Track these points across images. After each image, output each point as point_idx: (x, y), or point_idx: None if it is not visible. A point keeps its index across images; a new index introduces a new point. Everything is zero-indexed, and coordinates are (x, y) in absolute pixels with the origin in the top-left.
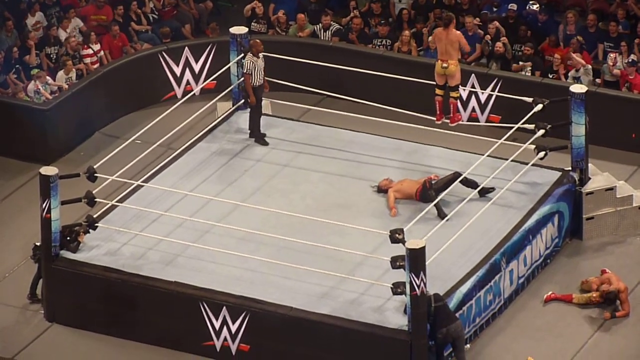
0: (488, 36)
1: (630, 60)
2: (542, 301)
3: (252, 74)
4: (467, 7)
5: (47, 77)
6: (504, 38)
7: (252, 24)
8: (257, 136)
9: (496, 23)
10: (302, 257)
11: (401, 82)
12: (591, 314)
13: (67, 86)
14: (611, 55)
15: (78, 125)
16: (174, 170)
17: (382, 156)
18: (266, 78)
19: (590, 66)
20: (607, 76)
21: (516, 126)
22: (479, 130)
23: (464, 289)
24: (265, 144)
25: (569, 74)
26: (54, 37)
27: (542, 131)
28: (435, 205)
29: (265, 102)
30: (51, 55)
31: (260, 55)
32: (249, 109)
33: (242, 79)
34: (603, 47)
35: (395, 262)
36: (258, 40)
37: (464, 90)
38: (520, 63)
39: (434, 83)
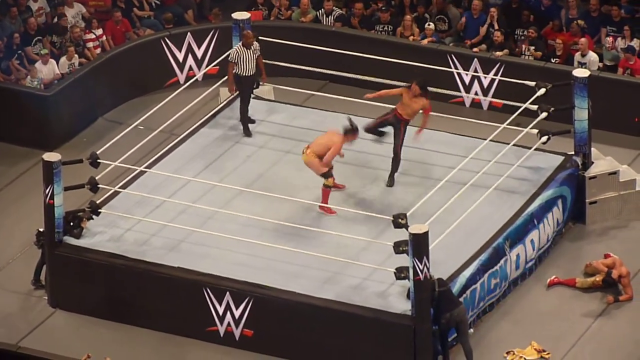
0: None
1: (627, 46)
2: (546, 285)
3: (237, 63)
4: None
5: (43, 67)
6: (497, 31)
7: (252, 10)
8: (243, 126)
9: (494, 10)
10: (305, 243)
11: (403, 67)
12: (595, 298)
13: (59, 75)
14: (609, 38)
15: (81, 111)
16: (176, 156)
17: (385, 141)
18: (269, 62)
19: (597, 56)
20: (607, 61)
21: (520, 109)
22: (482, 115)
23: (467, 273)
24: (249, 135)
25: (575, 58)
26: (62, 26)
27: (545, 113)
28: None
29: (268, 88)
30: (56, 44)
31: (253, 47)
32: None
33: None
34: (606, 32)
35: (399, 247)
36: (250, 32)
37: (467, 74)
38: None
39: (437, 68)
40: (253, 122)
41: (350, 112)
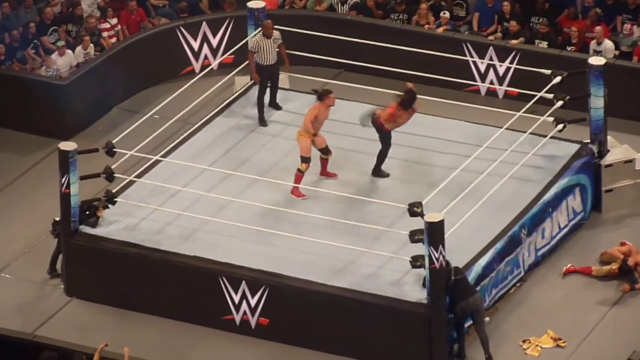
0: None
1: None
2: (561, 274)
3: (256, 52)
4: None
5: (59, 58)
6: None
7: None
8: (259, 114)
9: (506, 4)
10: (320, 231)
11: (419, 56)
12: (610, 286)
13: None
14: (627, 25)
15: (96, 100)
16: (192, 145)
17: (400, 130)
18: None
19: (612, 44)
20: (624, 47)
21: (535, 97)
22: (497, 103)
23: (482, 261)
24: (264, 123)
25: (590, 46)
26: (78, 15)
27: (560, 102)
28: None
29: (283, 77)
30: (71, 33)
31: (273, 36)
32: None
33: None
34: (622, 19)
35: (414, 236)
36: (269, 22)
37: (483, 62)
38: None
39: (452, 56)
40: (280, 108)
41: (365, 100)
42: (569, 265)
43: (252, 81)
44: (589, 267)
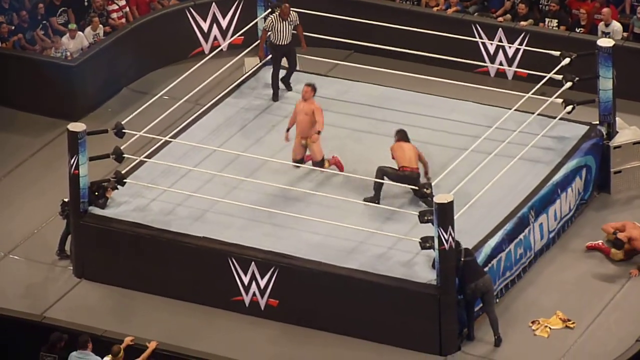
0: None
1: None
2: (577, 251)
3: (271, 32)
4: None
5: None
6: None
7: None
8: (273, 91)
9: None
10: (330, 212)
11: (428, 37)
12: (619, 267)
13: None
14: None
15: (106, 81)
16: (201, 126)
17: (410, 111)
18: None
19: (620, 26)
20: (638, 29)
21: (544, 79)
22: (507, 85)
23: (492, 242)
24: (276, 99)
25: (599, 28)
26: None
27: (569, 83)
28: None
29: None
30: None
31: (289, 18)
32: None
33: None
34: (630, 1)
35: (424, 217)
36: (287, 6)
37: (492, 44)
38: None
39: (461, 37)
40: (291, 89)
41: (375, 81)
42: (593, 242)
43: (259, 58)
44: (608, 248)
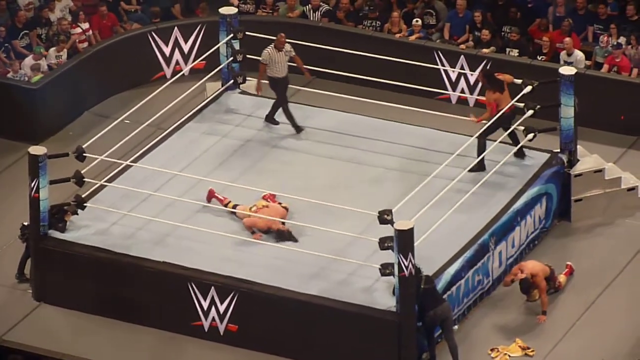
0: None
1: (615, 43)
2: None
3: (269, 65)
4: None
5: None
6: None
7: (240, 4)
8: (293, 126)
9: (477, 14)
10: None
11: (391, 64)
12: (579, 294)
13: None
14: (603, 37)
15: (67, 104)
16: (163, 150)
17: (372, 137)
18: (255, 57)
19: (583, 55)
20: (600, 58)
21: (506, 107)
22: (468, 112)
23: (452, 269)
24: (300, 129)
25: (561, 57)
26: (45, 18)
27: (531, 111)
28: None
29: (254, 83)
30: (42, 36)
31: (285, 49)
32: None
33: (231, 58)
34: (592, 30)
35: (384, 243)
36: (282, 35)
37: (454, 71)
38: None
39: (423, 64)
40: (277, 123)
41: (338, 107)
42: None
43: (257, 92)
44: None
